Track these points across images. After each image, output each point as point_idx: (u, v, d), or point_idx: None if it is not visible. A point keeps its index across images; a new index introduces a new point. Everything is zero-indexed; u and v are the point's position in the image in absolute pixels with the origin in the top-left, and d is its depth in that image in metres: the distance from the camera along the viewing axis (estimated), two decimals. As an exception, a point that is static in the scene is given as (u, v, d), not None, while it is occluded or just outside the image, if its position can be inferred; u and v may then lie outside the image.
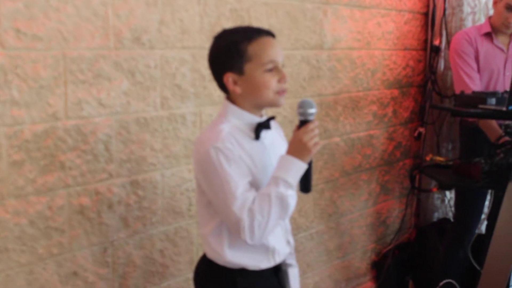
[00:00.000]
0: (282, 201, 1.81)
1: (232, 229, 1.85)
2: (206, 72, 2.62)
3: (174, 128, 2.56)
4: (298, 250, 3.41)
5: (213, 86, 2.66)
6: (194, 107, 2.63)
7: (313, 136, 1.86)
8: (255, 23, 2.82)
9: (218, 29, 1.93)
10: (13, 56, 2.01)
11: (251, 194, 1.81)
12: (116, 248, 2.42)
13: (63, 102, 2.16)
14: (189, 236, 2.71)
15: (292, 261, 2.12)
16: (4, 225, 2.05)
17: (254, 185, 1.87)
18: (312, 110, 1.88)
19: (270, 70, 1.86)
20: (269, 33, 1.91)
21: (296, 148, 1.85)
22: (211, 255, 1.98)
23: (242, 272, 1.94)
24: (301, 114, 1.89)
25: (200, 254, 2.72)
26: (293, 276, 2.11)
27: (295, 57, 3.15)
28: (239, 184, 1.80)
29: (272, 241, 1.96)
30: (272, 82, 1.86)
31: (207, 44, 2.48)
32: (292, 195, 1.83)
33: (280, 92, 1.89)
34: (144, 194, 2.49)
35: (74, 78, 2.18)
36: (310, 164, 1.89)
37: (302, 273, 3.48)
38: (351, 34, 3.51)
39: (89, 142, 2.26)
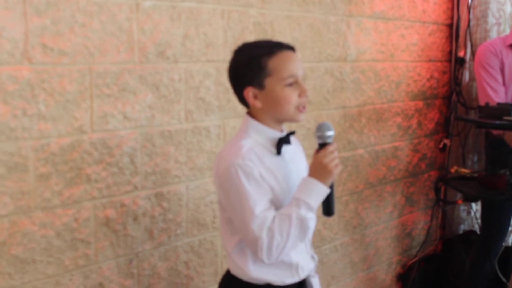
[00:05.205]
0: (302, 223, 1.80)
1: (250, 247, 1.84)
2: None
3: (198, 141, 2.58)
4: (322, 262, 3.40)
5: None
6: (218, 119, 2.65)
7: (333, 158, 1.85)
8: (279, 37, 2.84)
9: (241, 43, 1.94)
10: (40, 71, 2.05)
11: (271, 213, 1.80)
12: (141, 259, 2.45)
13: (89, 115, 2.20)
14: (214, 248, 2.73)
15: (312, 272, 2.13)
16: (31, 237, 2.09)
17: (275, 200, 1.86)
18: (330, 133, 1.87)
19: (291, 85, 1.85)
20: (289, 47, 1.90)
21: (318, 171, 1.84)
22: (235, 271, 1.96)
23: None
24: (319, 137, 1.88)
25: (225, 266, 2.74)
26: (316, 285, 2.11)
27: (318, 69, 3.16)
28: (258, 202, 1.79)
29: (295, 257, 1.94)
30: (292, 96, 1.85)
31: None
32: (312, 217, 1.83)
33: (300, 108, 1.88)
34: (169, 206, 2.51)
35: (99, 92, 2.22)
36: (331, 187, 1.88)
37: (327, 285, 3.47)
38: (375, 46, 3.51)
39: (115, 155, 2.29)
